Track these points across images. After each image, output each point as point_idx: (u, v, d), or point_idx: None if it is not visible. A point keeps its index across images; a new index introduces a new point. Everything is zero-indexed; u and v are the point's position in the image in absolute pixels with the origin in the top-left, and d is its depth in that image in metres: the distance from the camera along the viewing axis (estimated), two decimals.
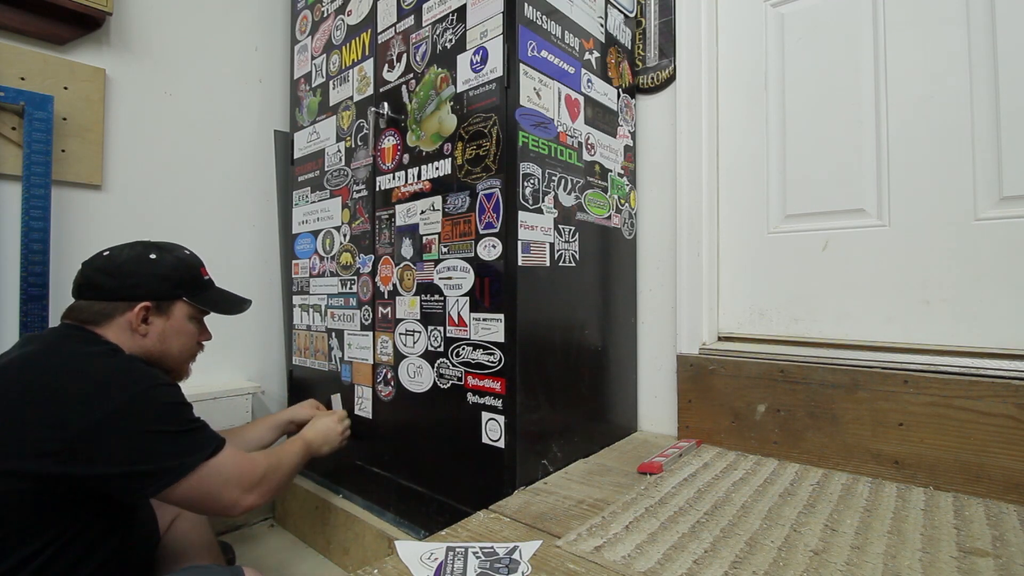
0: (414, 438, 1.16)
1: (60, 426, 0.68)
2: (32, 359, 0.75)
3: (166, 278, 0.89)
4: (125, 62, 1.38)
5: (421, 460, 1.14)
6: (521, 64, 1.00)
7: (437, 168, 1.10)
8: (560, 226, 1.09)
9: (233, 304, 1.00)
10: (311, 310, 1.47)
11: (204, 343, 1.00)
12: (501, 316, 0.98)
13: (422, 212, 1.12)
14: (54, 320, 1.21)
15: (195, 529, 1.05)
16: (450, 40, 1.09)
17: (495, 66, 1.00)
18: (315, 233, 1.46)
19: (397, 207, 1.18)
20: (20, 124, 1.18)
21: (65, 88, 1.25)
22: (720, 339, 1.29)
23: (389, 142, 1.21)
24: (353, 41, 1.35)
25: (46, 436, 0.67)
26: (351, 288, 1.32)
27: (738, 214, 1.29)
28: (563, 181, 1.10)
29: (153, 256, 0.89)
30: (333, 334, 1.38)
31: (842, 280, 1.13)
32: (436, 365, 1.09)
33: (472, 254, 1.03)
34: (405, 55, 1.19)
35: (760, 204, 1.25)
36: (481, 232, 1.01)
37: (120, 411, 0.71)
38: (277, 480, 0.92)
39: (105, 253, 0.89)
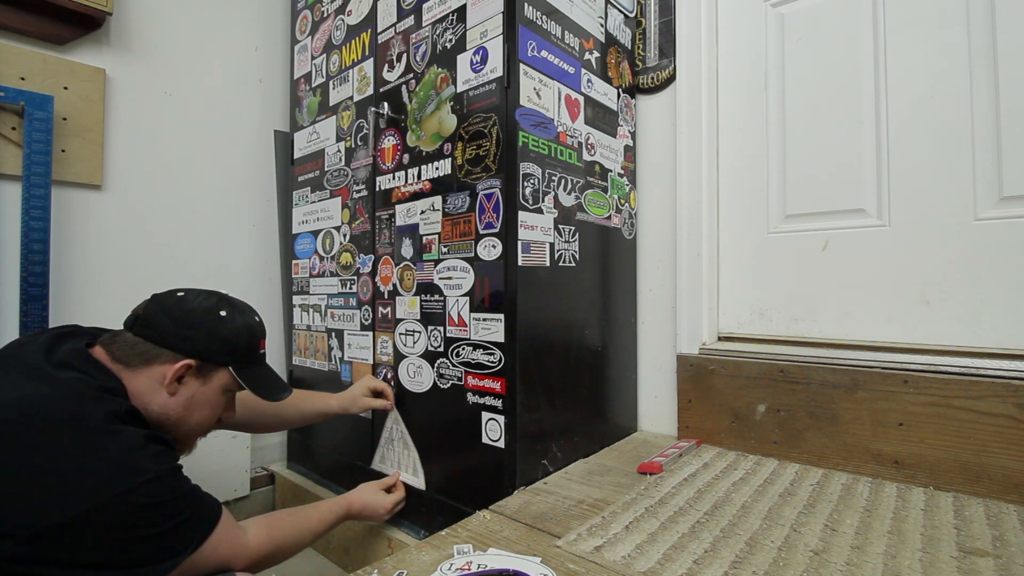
0: (414, 438, 1.16)
1: (31, 511, 0.60)
2: (30, 411, 0.65)
3: (225, 341, 0.82)
4: (125, 62, 1.38)
5: (421, 460, 1.14)
6: (521, 64, 1.00)
7: (437, 168, 1.10)
8: (560, 226, 1.09)
9: (273, 389, 0.90)
10: (311, 310, 1.47)
11: (223, 420, 0.90)
12: (501, 316, 0.98)
13: (422, 212, 1.12)
14: (53, 320, 1.21)
15: None
16: (450, 40, 1.09)
17: (495, 66, 1.00)
18: (315, 233, 1.46)
19: (397, 207, 1.18)
20: (20, 124, 1.18)
21: (65, 88, 1.25)
22: (720, 339, 1.29)
23: (389, 142, 1.21)
24: (353, 41, 1.35)
25: (15, 517, 0.60)
26: (351, 288, 1.32)
27: (738, 214, 1.29)
28: (563, 181, 1.10)
29: (223, 313, 0.83)
30: (333, 334, 1.38)
31: (842, 280, 1.13)
32: (436, 365, 1.09)
33: (472, 254, 1.03)
34: (405, 55, 1.19)
35: (760, 204, 1.25)
36: (481, 232, 1.01)
37: (96, 510, 0.62)
38: (283, 555, 0.85)
39: (179, 294, 0.83)
